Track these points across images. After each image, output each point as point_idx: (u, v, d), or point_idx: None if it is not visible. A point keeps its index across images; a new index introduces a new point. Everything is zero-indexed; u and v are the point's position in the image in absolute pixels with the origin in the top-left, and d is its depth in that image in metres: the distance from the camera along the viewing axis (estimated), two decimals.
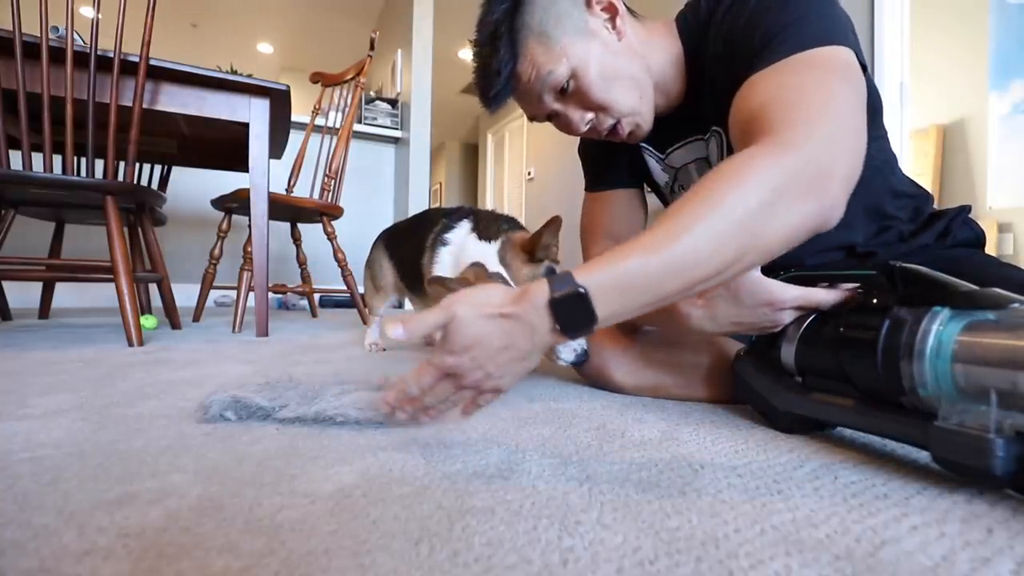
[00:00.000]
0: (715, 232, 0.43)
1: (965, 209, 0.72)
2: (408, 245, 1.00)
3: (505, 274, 0.73)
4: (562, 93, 0.67)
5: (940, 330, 0.41)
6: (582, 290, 0.41)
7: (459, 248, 0.81)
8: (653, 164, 0.81)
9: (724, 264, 0.44)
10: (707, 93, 0.68)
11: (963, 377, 0.39)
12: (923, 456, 0.49)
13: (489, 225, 0.81)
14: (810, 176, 0.45)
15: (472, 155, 7.44)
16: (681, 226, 0.43)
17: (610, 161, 0.85)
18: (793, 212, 0.45)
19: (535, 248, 0.75)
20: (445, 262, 0.83)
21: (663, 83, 0.70)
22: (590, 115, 0.68)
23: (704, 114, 0.70)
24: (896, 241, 0.71)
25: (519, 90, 0.68)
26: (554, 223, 0.73)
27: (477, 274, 0.73)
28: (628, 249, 0.43)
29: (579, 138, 0.85)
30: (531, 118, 0.74)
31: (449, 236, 0.84)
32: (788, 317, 0.56)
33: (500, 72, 0.64)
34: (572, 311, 0.42)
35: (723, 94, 0.62)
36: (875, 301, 0.49)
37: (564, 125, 0.71)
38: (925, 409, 0.43)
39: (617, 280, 0.42)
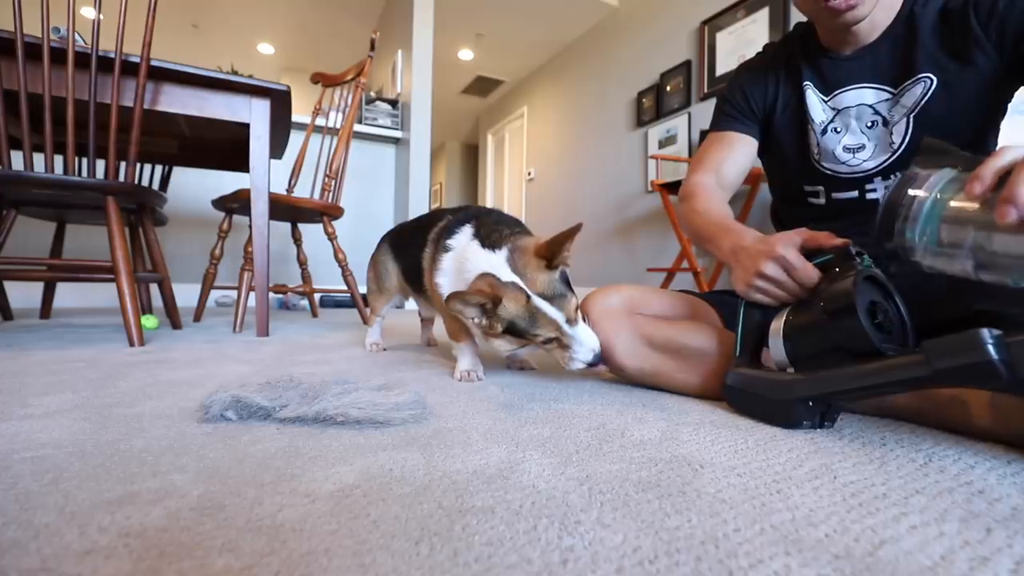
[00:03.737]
0: None
1: None
2: (413, 246, 0.99)
3: (521, 283, 0.71)
4: None
5: (940, 188, 0.49)
6: None
7: (461, 256, 0.79)
8: (815, 102, 0.83)
9: None
10: (911, 38, 0.74)
11: (947, 233, 0.47)
12: (922, 456, 0.49)
13: (491, 232, 0.79)
14: None
15: (472, 155, 7.44)
16: None
17: (751, 110, 0.91)
18: None
19: (555, 255, 0.72)
20: (447, 268, 0.82)
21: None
22: None
23: (906, 60, 0.75)
24: None
25: None
26: (575, 231, 0.72)
27: (491, 284, 0.72)
28: None
29: (734, 78, 0.94)
30: None
31: (451, 242, 0.82)
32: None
33: None
34: None
35: (959, 47, 0.71)
36: (837, 270, 0.56)
37: None
38: (904, 256, 0.51)
39: None
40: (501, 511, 0.36)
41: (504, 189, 5.74)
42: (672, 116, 3.23)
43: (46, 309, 1.91)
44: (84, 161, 1.80)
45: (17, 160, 1.21)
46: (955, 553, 0.31)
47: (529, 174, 5.12)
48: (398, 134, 3.20)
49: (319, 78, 2.20)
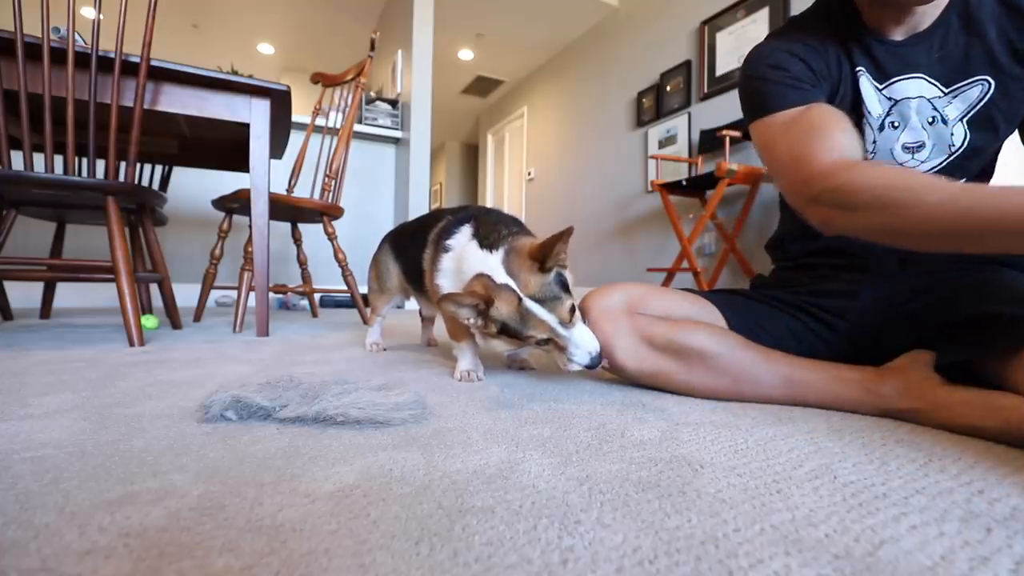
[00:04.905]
0: None
1: None
2: (414, 246, 0.99)
3: (513, 285, 0.71)
4: None
5: None
6: None
7: (459, 256, 0.80)
8: (870, 92, 0.73)
9: None
10: (974, 38, 0.67)
11: None
12: (922, 456, 0.49)
13: (490, 232, 0.79)
14: None
15: (472, 155, 7.43)
16: None
17: (817, 80, 0.73)
18: None
19: (547, 258, 0.72)
20: (447, 268, 0.83)
21: None
22: None
23: (962, 58, 0.69)
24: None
25: None
26: (567, 233, 0.71)
27: (485, 285, 0.72)
28: None
29: (775, 44, 0.76)
30: None
31: (451, 242, 0.83)
32: None
33: None
34: None
35: (1021, 44, 0.66)
36: None
37: None
38: None
39: None
40: (501, 511, 0.36)
41: (504, 189, 5.74)
42: (672, 116, 3.22)
43: (46, 309, 1.91)
44: (84, 161, 1.80)
45: (17, 160, 1.21)
46: (955, 553, 0.31)
47: (529, 174, 5.11)
48: (398, 134, 3.20)
49: (319, 78, 2.20)
